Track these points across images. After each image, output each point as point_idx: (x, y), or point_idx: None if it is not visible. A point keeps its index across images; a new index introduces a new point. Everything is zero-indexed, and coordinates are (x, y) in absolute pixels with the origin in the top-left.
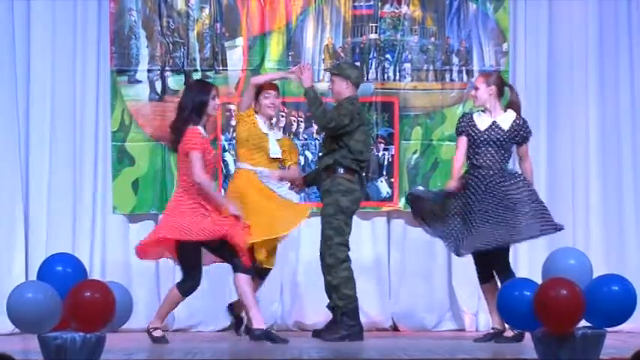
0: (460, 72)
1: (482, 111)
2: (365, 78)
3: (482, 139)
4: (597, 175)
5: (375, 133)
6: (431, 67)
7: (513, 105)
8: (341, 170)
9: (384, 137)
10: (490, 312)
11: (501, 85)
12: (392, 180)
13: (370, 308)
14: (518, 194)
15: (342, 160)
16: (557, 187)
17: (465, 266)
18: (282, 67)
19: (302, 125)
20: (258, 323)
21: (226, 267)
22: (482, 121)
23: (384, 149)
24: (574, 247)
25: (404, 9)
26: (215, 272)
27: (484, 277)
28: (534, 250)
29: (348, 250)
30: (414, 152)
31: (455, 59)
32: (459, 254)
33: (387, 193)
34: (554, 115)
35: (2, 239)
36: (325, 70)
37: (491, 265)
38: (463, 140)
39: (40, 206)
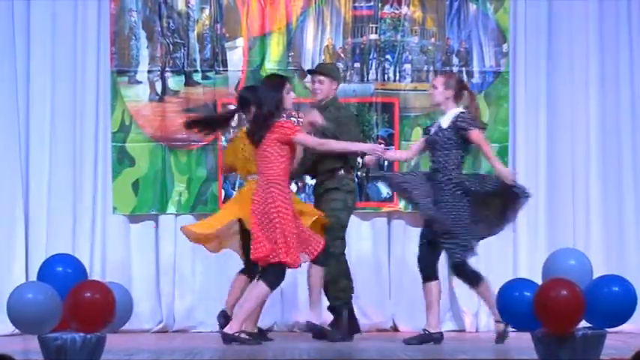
0: (460, 72)
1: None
2: (365, 78)
3: (428, 142)
4: (597, 175)
5: (375, 134)
6: (431, 68)
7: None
8: (343, 171)
9: (385, 138)
10: (429, 312)
11: (460, 89)
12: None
13: (370, 309)
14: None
15: (349, 161)
16: (557, 187)
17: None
18: (282, 68)
19: None
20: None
21: (229, 268)
22: (434, 125)
23: (385, 150)
24: (574, 247)
25: (404, 10)
26: (216, 273)
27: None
28: (534, 250)
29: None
30: None
31: (455, 60)
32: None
33: (388, 193)
34: (554, 115)
35: (2, 240)
36: (308, 71)
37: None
38: (422, 139)
39: (40, 206)
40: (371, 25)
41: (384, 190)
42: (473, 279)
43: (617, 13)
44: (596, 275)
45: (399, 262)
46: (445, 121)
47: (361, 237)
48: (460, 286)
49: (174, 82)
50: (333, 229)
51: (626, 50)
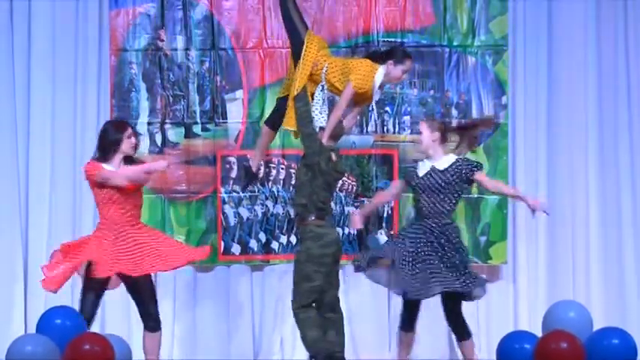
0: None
1: (427, 158)
2: (365, 130)
3: (420, 185)
4: (597, 227)
5: (374, 186)
6: None
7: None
8: (312, 217)
9: (384, 189)
10: None
11: (445, 131)
12: (392, 232)
13: (370, 356)
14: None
15: (316, 206)
16: (557, 238)
17: (466, 319)
18: None
19: None
20: None
21: (228, 322)
22: (422, 168)
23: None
24: (574, 299)
25: None
26: (215, 326)
27: (409, 324)
28: (534, 301)
29: (316, 296)
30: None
31: (454, 112)
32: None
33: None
34: (554, 168)
35: (1, 291)
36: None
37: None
38: (397, 182)
39: (40, 258)
40: None
41: (383, 239)
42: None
43: (617, 65)
44: (596, 327)
45: (399, 312)
46: (442, 165)
47: (360, 285)
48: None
49: (173, 133)
50: (296, 284)
51: (624, 98)
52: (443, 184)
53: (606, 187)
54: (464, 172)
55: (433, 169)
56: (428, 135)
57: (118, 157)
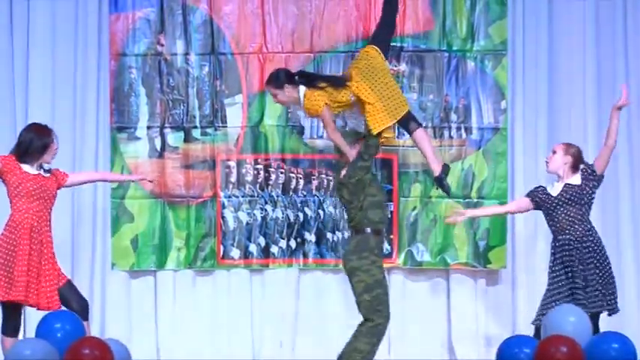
0: (459, 129)
1: (557, 181)
2: None
3: (556, 202)
4: (596, 228)
5: None
6: (429, 124)
7: None
8: None
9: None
10: None
11: (578, 160)
12: (391, 237)
13: None
14: (590, 262)
15: None
16: None
17: (465, 323)
18: (281, 124)
19: (301, 182)
20: None
21: (230, 325)
22: (554, 189)
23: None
24: None
25: (403, 67)
26: (216, 329)
27: None
28: (534, 306)
29: None
30: (413, 209)
31: (453, 116)
32: None
33: (387, 249)
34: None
35: None
36: None
37: None
38: (524, 199)
39: None
40: None
41: (384, 246)
42: None
43: (615, 69)
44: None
45: (398, 317)
46: (575, 180)
47: None
48: (460, 343)
49: (173, 138)
50: None
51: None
52: (580, 194)
53: (605, 192)
54: (591, 174)
55: (567, 185)
56: (561, 156)
57: (38, 162)
